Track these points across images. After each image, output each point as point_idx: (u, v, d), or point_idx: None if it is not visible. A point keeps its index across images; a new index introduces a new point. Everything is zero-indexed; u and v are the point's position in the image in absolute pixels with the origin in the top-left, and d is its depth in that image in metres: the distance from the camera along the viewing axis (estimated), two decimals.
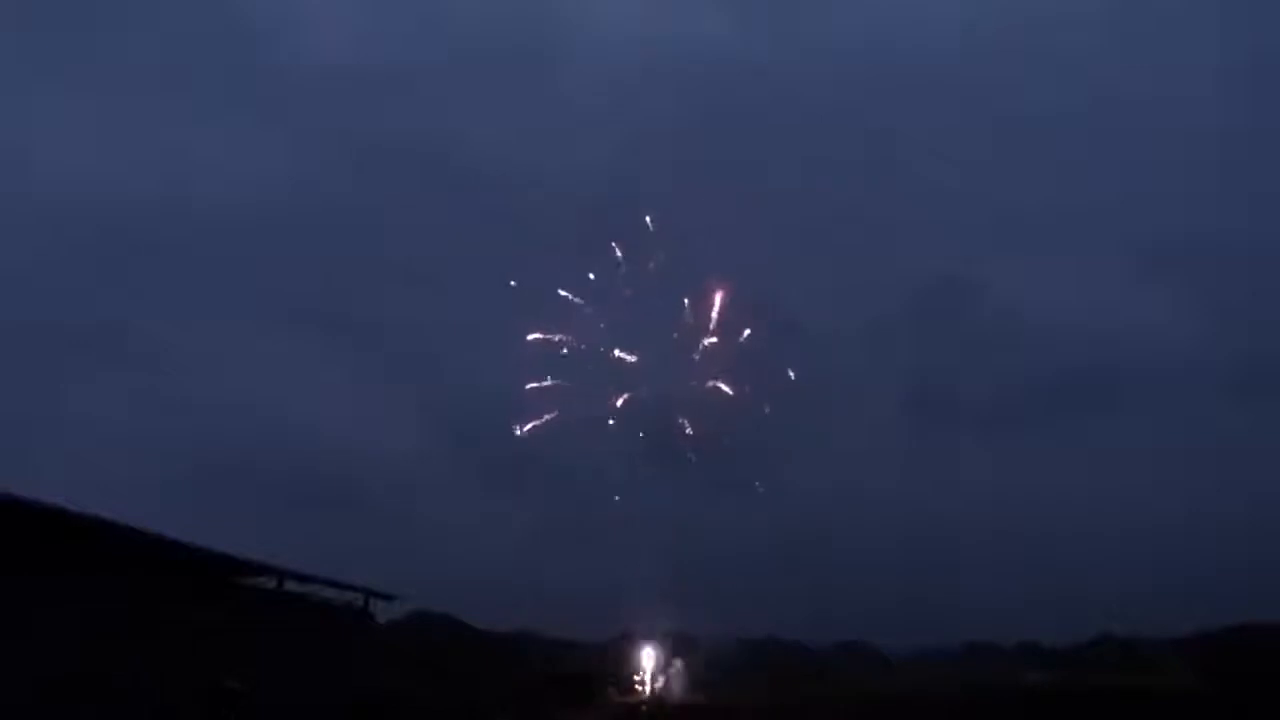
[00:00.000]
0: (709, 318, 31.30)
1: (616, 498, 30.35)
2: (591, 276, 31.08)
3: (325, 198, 64.45)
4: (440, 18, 67.88)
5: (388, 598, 30.19)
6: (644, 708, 33.68)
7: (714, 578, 32.14)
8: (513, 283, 30.48)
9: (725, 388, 31.06)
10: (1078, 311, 54.58)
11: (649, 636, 37.90)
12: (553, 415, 30.35)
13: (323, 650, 25.34)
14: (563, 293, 30.69)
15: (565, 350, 30.81)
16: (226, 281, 62.87)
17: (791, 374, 30.92)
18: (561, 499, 31.62)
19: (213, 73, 68.04)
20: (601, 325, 31.04)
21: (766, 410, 30.92)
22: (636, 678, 38.52)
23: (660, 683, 37.29)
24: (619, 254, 30.29)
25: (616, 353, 31.12)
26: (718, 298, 31.34)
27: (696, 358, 31.21)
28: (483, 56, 67.28)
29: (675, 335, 31.12)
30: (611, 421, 30.69)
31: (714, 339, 31.26)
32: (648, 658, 38.05)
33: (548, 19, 70.27)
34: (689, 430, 30.92)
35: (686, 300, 31.08)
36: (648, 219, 29.90)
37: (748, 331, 31.25)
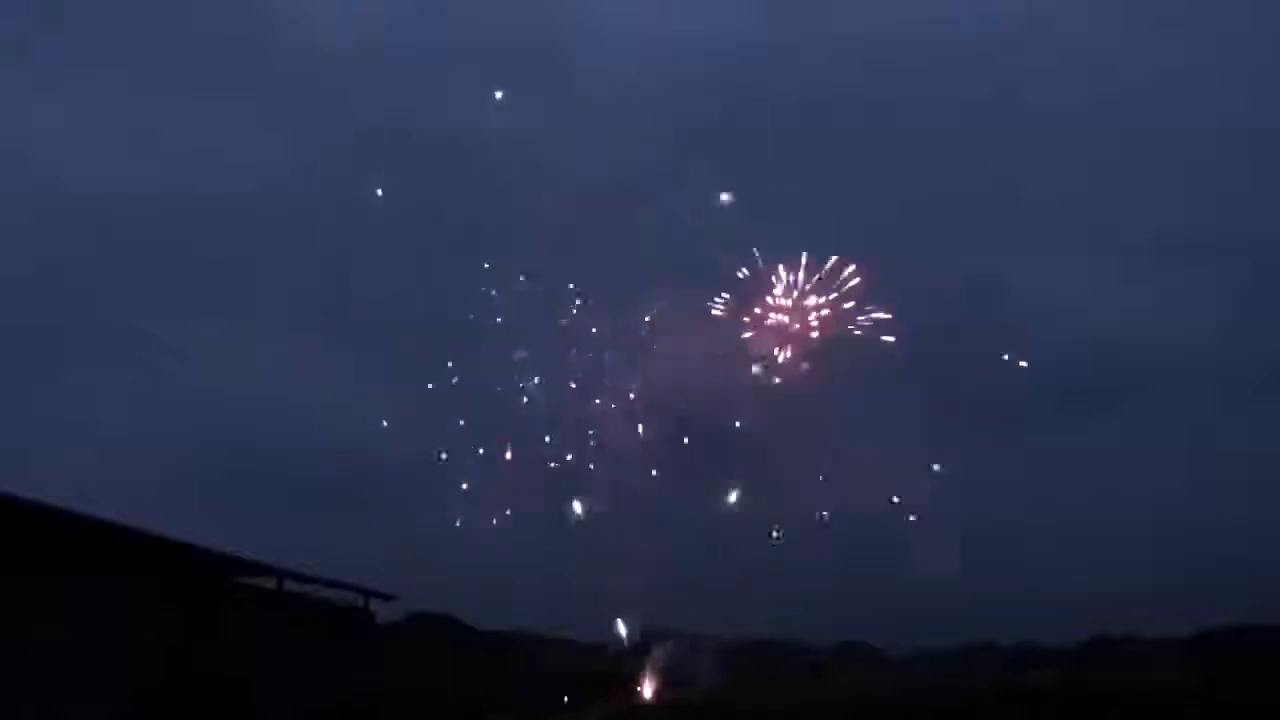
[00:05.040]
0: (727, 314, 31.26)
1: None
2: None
3: (328, 195, 64.14)
4: (446, 12, 67.78)
5: (388, 598, 30.25)
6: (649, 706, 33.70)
7: (713, 577, 32.10)
8: (521, 276, 30.46)
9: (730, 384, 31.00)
10: (1081, 309, 54.45)
11: (652, 636, 37.92)
12: (556, 418, 30.36)
13: (322, 650, 25.40)
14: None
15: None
16: (227, 279, 62.68)
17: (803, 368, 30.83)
18: (562, 498, 31.57)
19: (215, 69, 67.85)
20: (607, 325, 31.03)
21: (771, 409, 30.81)
22: (640, 677, 38.48)
23: (667, 681, 37.25)
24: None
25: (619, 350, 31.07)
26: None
27: (704, 354, 31.12)
28: (490, 51, 67.16)
29: (684, 334, 31.03)
30: (615, 407, 30.61)
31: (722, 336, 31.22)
32: (653, 657, 38.04)
33: (557, 11, 70.07)
34: (696, 429, 30.86)
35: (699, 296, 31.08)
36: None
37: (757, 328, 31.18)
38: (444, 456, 30.30)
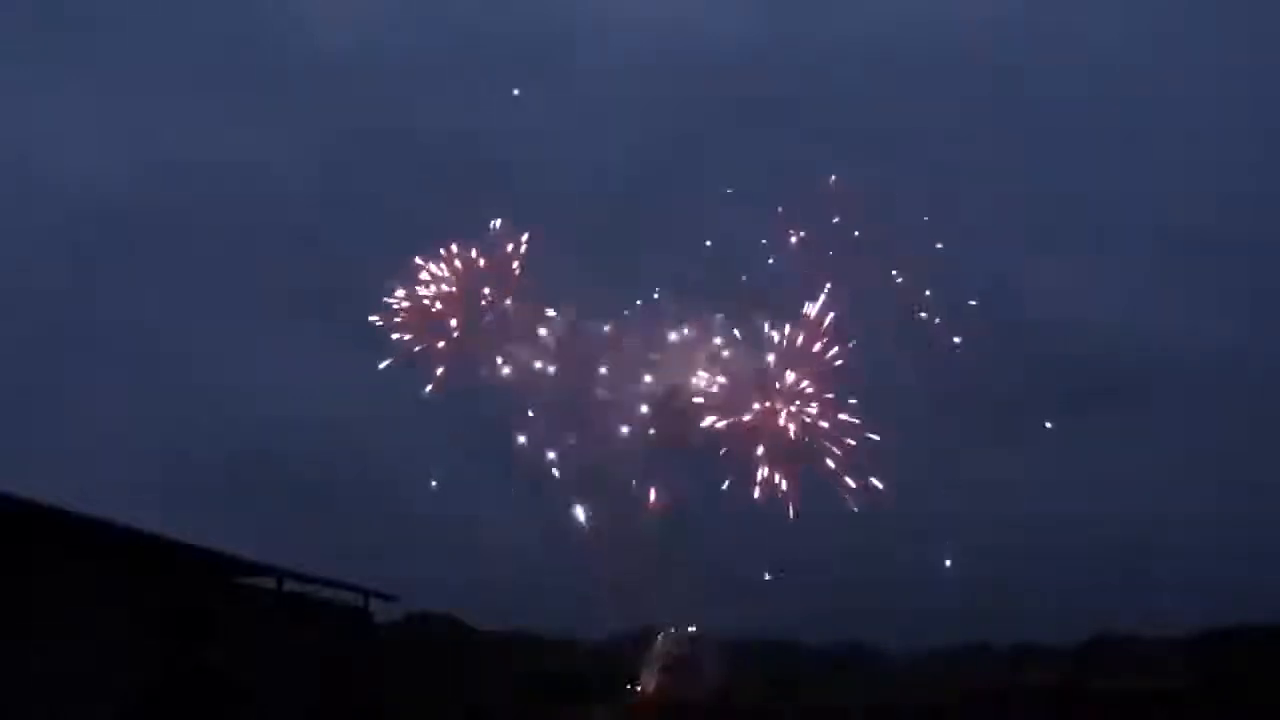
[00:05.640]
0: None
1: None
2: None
3: (328, 194, 64.38)
4: (447, 7, 67.81)
5: (388, 598, 30.26)
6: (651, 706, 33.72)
7: (712, 576, 32.13)
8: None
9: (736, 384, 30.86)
10: (1080, 308, 54.50)
11: (653, 636, 37.93)
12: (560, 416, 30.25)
13: (322, 650, 25.40)
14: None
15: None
16: (228, 279, 62.73)
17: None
18: (561, 496, 31.54)
19: (214, 69, 67.89)
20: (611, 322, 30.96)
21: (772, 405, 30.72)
22: (640, 677, 38.50)
23: (668, 681, 37.24)
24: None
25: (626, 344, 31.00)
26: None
27: (707, 350, 31.04)
28: (493, 48, 67.15)
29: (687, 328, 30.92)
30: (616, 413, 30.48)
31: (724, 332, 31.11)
32: (654, 657, 38.05)
33: (561, 6, 70.12)
34: (698, 427, 30.71)
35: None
36: None
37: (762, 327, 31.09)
38: (434, 484, 30.59)
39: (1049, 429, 35.36)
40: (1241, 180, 60.20)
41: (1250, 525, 44.17)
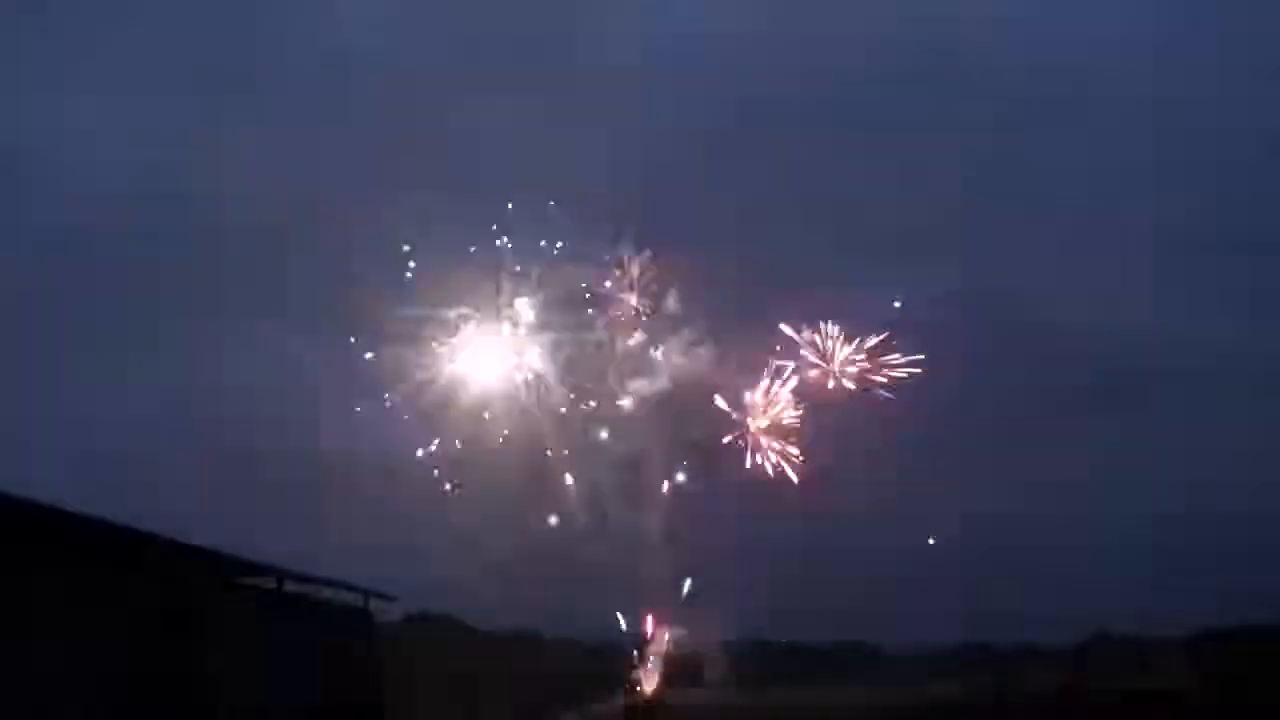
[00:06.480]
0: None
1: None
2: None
3: (328, 194, 64.23)
4: (448, 8, 67.74)
5: (388, 598, 30.26)
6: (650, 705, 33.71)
7: (712, 576, 32.13)
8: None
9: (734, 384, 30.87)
10: (1080, 308, 54.51)
11: (653, 636, 37.91)
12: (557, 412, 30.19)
13: (322, 651, 25.40)
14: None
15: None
16: (228, 279, 62.64)
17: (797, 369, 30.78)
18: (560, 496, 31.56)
19: (215, 69, 67.82)
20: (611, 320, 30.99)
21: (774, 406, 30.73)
22: (640, 676, 38.48)
23: (668, 680, 37.21)
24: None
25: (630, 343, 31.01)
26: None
27: (703, 351, 31.08)
28: (493, 48, 67.13)
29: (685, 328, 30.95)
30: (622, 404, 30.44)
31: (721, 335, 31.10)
32: (654, 656, 38.02)
33: (561, 6, 69.93)
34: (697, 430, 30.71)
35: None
36: None
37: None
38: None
39: (1049, 429, 35.45)
40: (1241, 180, 60.18)
41: (1250, 525, 44.16)
